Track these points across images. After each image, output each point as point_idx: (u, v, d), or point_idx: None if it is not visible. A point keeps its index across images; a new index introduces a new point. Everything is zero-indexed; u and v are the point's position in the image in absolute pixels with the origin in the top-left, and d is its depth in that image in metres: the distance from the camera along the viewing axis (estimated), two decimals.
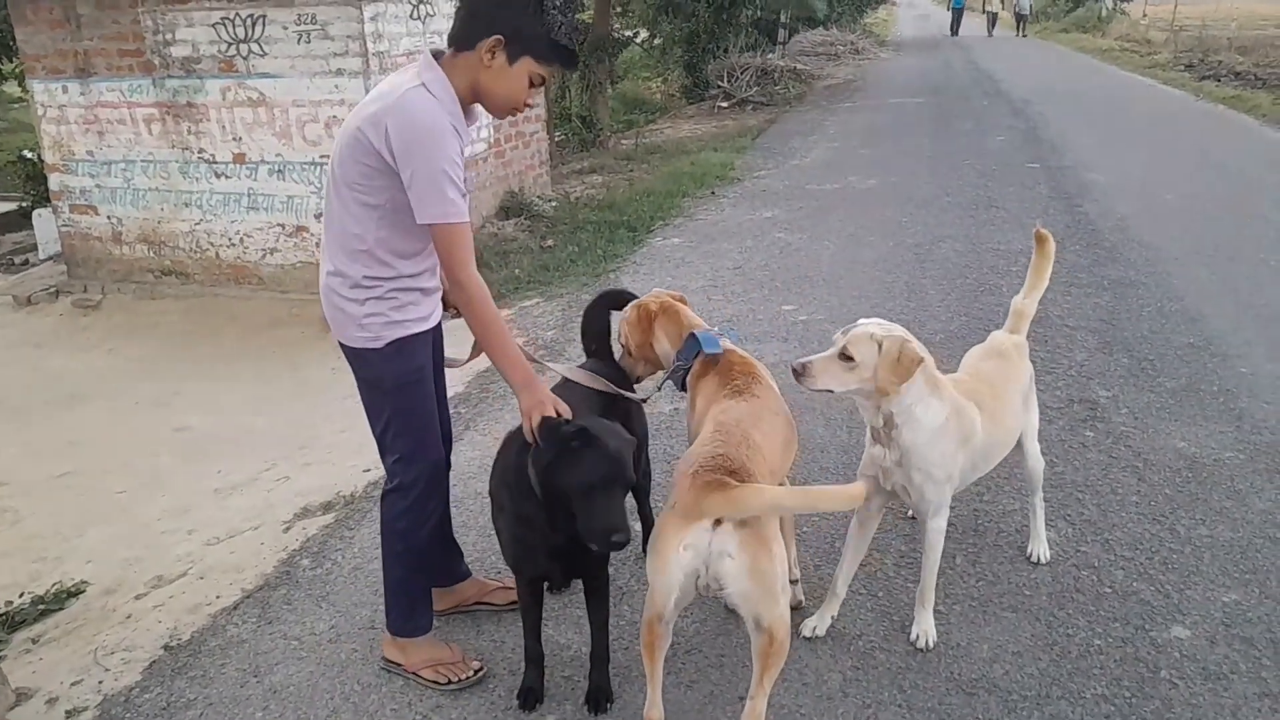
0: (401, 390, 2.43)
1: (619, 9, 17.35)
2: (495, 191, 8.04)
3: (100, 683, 2.82)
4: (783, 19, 19.96)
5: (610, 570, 2.48)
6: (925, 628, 2.66)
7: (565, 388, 2.70)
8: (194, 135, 6.68)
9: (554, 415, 2.26)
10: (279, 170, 6.52)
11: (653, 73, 20.23)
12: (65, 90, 6.95)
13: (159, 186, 6.94)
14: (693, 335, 2.63)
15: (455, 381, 2.91)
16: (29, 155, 10.12)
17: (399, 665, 2.65)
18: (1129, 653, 2.59)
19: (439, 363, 2.66)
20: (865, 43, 25.51)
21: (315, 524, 3.65)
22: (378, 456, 2.61)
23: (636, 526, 3.15)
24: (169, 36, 6.48)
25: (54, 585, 3.43)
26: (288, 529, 3.66)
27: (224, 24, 6.29)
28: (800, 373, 2.40)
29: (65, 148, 7.15)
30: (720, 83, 15.79)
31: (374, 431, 2.53)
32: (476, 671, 2.61)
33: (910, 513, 3.11)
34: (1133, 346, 4.73)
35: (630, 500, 2.93)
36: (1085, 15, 31.11)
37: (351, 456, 4.12)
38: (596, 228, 7.73)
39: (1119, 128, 11.74)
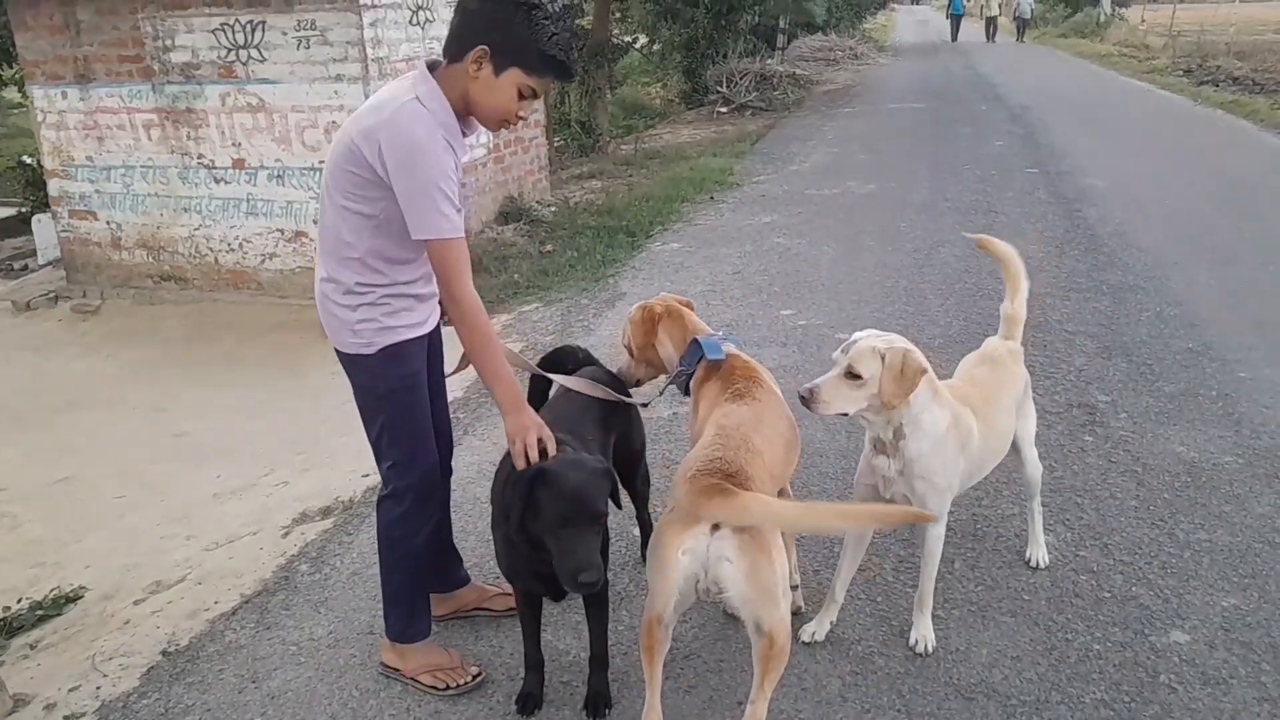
0: (395, 396, 2.43)
1: (618, 15, 17.38)
2: (494, 196, 8.04)
3: (98, 688, 2.81)
4: (782, 24, 20.01)
5: (609, 575, 2.48)
6: (924, 632, 2.65)
7: (565, 396, 2.70)
8: (193, 141, 6.69)
9: (537, 442, 2.24)
10: (278, 175, 6.53)
11: (652, 78, 20.27)
12: (65, 96, 6.96)
13: (158, 192, 6.95)
14: (696, 340, 2.64)
15: (455, 386, 2.91)
16: (28, 160, 10.14)
17: (397, 671, 2.64)
18: (1128, 657, 2.59)
19: (437, 368, 2.66)
20: (864, 48, 25.55)
21: (314, 529, 3.65)
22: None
23: (635, 532, 3.15)
24: (169, 42, 6.49)
25: (52, 591, 3.42)
26: (286, 534, 3.66)
27: (223, 30, 6.30)
28: (809, 399, 2.34)
29: (65, 153, 7.15)
30: (719, 88, 15.81)
31: (369, 437, 2.52)
32: (475, 677, 2.60)
33: None
34: (1131, 351, 4.73)
35: (630, 502, 2.95)
36: (1083, 21, 31.18)
37: (350, 461, 4.12)
38: (596, 233, 7.74)
39: (1118, 133, 11.76)
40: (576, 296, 6.25)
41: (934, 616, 2.70)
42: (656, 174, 10.37)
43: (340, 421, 4.55)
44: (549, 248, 7.48)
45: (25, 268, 8.60)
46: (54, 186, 7.34)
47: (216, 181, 6.73)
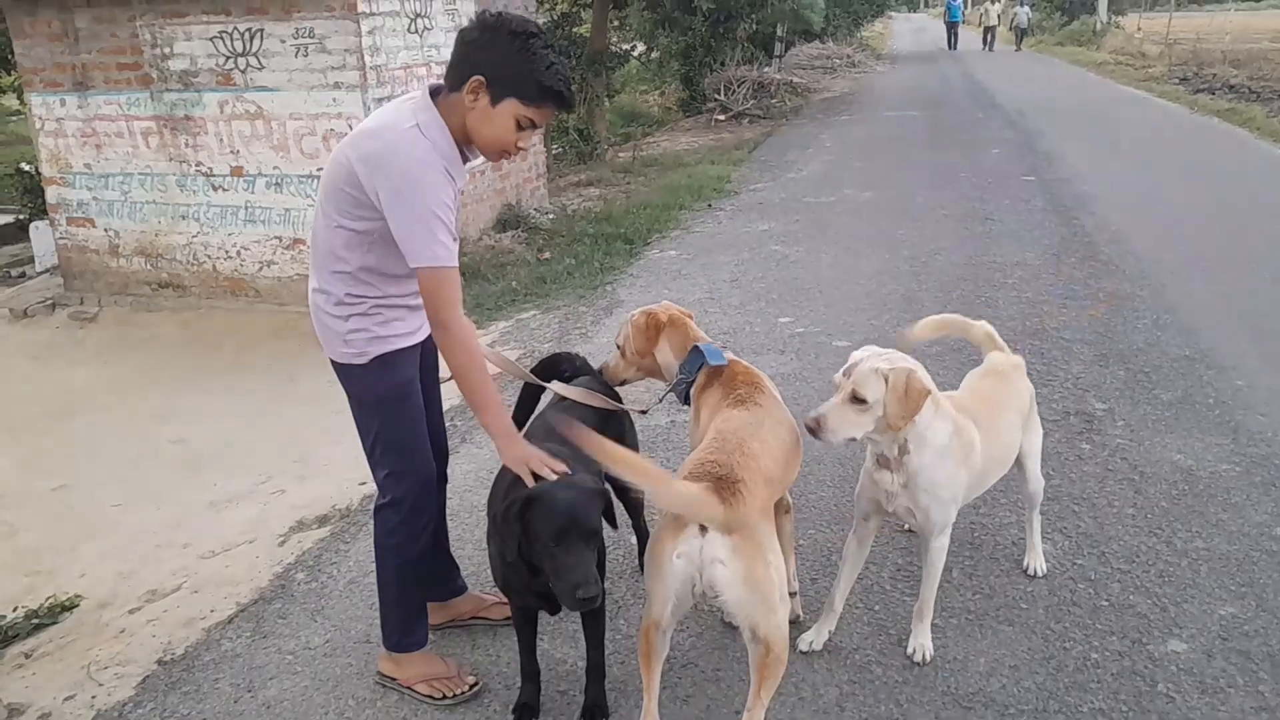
0: (389, 405, 2.43)
1: (616, 23, 17.41)
2: (492, 204, 8.05)
3: (93, 698, 2.80)
4: (779, 32, 20.03)
5: (606, 585, 2.47)
6: (922, 642, 2.65)
7: (558, 403, 2.70)
8: (191, 148, 6.69)
9: (533, 475, 2.21)
10: (276, 183, 6.53)
11: (650, 86, 20.31)
12: (63, 103, 6.96)
13: (156, 199, 6.95)
14: (697, 348, 2.65)
15: (451, 394, 2.90)
16: (26, 168, 10.15)
17: (394, 680, 2.64)
18: (1126, 666, 2.58)
19: (431, 376, 2.65)
20: (862, 56, 25.66)
21: (310, 538, 3.64)
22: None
23: (632, 540, 3.14)
24: (167, 50, 6.50)
25: (47, 599, 3.41)
26: (283, 543, 3.65)
27: (222, 37, 6.31)
28: (816, 428, 2.31)
29: (63, 161, 7.16)
30: (717, 96, 15.84)
31: (364, 446, 2.52)
32: (472, 686, 2.59)
33: (907, 526, 3.10)
34: (1128, 359, 4.74)
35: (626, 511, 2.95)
36: (1080, 29, 31.27)
37: (347, 470, 4.11)
38: (593, 240, 7.75)
39: (1114, 141, 11.79)
40: (574, 304, 6.26)
41: (932, 625, 2.69)
42: (654, 181, 10.39)
43: (338, 430, 4.54)
44: (547, 255, 7.49)
45: (23, 275, 8.59)
46: (52, 194, 7.34)
47: (214, 189, 6.74)
